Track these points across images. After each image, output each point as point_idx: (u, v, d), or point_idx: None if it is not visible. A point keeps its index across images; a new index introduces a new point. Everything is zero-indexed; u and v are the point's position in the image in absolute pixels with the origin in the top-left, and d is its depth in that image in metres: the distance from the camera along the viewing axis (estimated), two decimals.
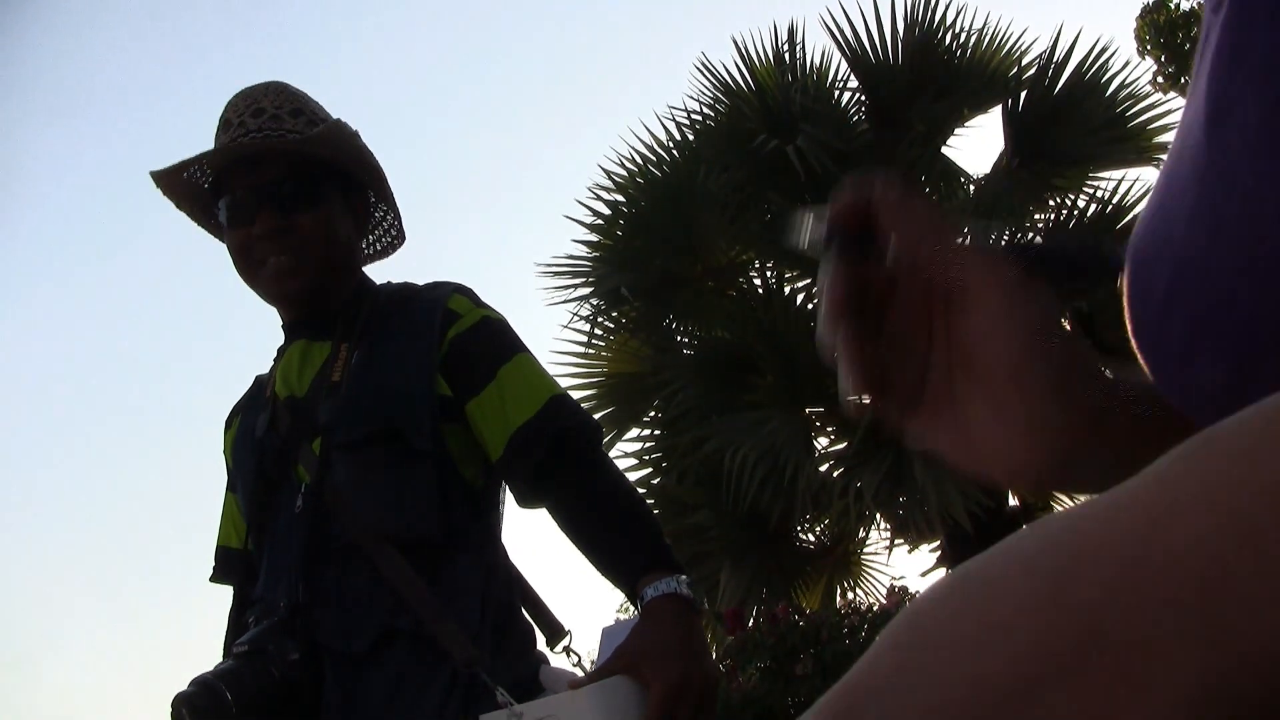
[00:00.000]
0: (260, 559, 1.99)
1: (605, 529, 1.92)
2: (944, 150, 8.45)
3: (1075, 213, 8.14)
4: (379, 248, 2.26)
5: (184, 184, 2.09)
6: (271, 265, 1.98)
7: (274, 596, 1.87)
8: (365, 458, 1.90)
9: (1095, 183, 8.26)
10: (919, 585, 9.45)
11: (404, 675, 1.81)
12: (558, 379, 2.11)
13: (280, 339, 2.14)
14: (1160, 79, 12.59)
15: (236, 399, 2.22)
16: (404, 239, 2.27)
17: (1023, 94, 8.31)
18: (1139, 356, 0.56)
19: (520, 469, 1.93)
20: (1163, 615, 0.31)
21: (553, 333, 13.31)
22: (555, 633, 1.99)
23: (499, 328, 2.04)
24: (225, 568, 2.12)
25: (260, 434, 2.01)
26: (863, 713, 0.34)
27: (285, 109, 2.03)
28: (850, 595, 8.61)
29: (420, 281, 2.18)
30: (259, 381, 2.17)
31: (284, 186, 1.99)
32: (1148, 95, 8.35)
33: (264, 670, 1.75)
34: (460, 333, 1.98)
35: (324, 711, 1.80)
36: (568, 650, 2.01)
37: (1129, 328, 0.56)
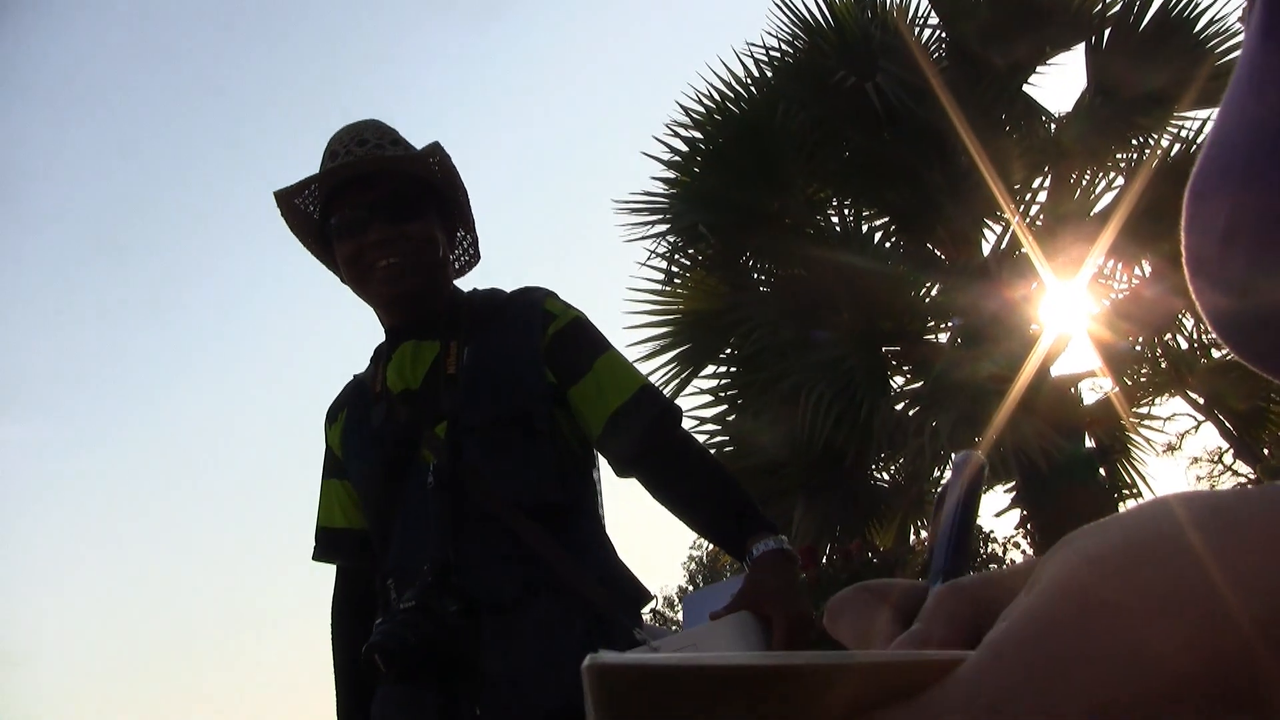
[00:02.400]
0: (387, 534, 2.26)
1: (706, 498, 2.25)
2: (1024, 88, 8.33)
3: (1159, 153, 8.01)
4: (458, 266, 2.53)
5: (296, 210, 2.37)
6: (383, 268, 2.27)
7: (415, 563, 2.13)
8: (493, 438, 2.20)
9: (1180, 122, 8.11)
10: (993, 526, 9.47)
11: (549, 620, 2.08)
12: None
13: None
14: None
15: (330, 399, 2.54)
16: (479, 259, 2.56)
17: (1107, 31, 8.15)
18: (1197, 295, 0.55)
19: (618, 445, 2.27)
20: None
21: (630, 270, 13.35)
22: (642, 595, 2.27)
23: (589, 326, 2.37)
24: (331, 547, 2.44)
25: (378, 424, 2.29)
26: (1019, 702, 0.33)
27: (386, 139, 2.34)
28: (924, 534, 8.65)
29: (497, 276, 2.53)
30: (359, 380, 2.47)
31: (391, 200, 2.28)
32: (1238, 33, 8.16)
33: (432, 621, 2.01)
34: (559, 330, 2.31)
35: (484, 654, 2.05)
36: (653, 611, 2.31)
37: (1187, 266, 0.55)
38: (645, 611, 2.37)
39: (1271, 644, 0.30)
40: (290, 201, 2.36)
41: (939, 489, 0.64)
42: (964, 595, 0.44)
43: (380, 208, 2.27)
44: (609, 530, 2.35)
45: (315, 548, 2.47)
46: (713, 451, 8.00)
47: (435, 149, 2.35)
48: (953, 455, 0.65)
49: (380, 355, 2.41)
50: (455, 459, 2.18)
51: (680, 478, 2.28)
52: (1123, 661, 0.32)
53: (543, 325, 2.31)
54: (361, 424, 2.36)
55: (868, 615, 0.50)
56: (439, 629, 2.01)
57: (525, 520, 2.13)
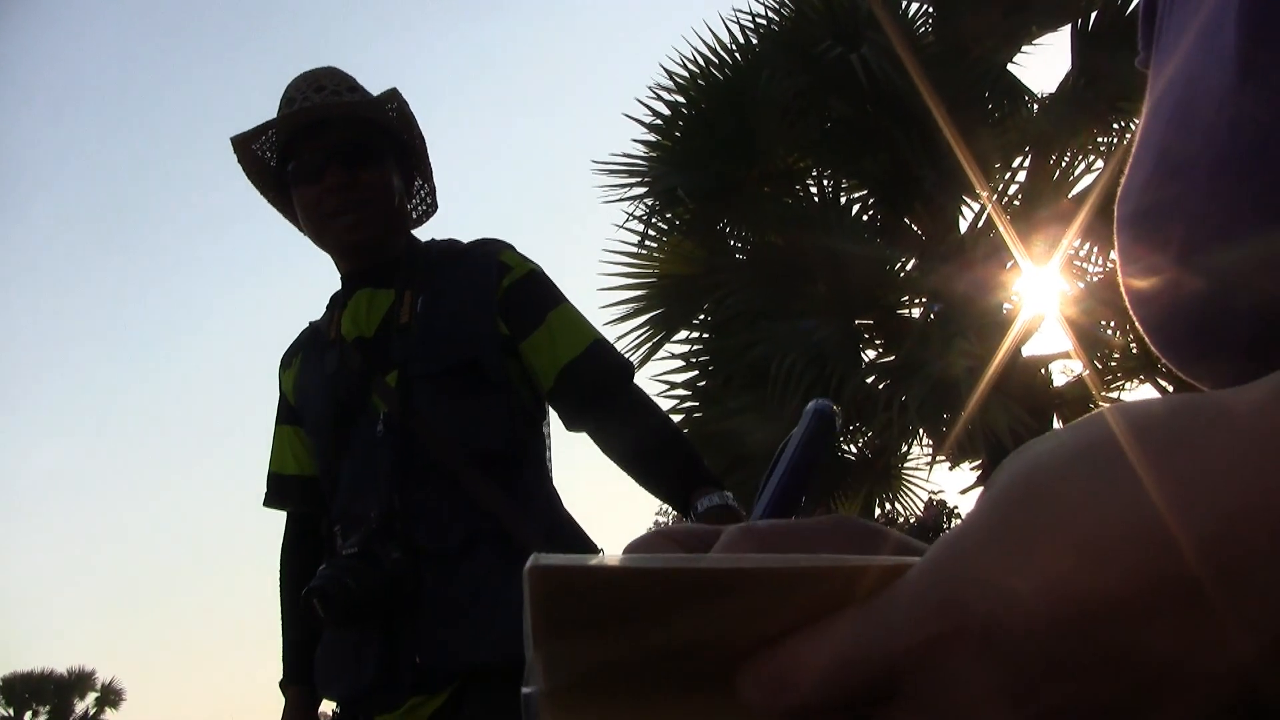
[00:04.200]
0: (335, 480, 2.27)
1: (654, 453, 2.28)
2: (1009, 67, 8.33)
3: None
4: (415, 215, 2.54)
5: (253, 156, 2.37)
6: (340, 214, 2.27)
7: (362, 509, 2.16)
8: (443, 387, 2.21)
9: None
10: (958, 501, 9.54)
11: (491, 569, 2.09)
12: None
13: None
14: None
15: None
16: (436, 209, 2.56)
17: (1093, 14, 8.16)
18: (1143, 307, 0.56)
19: (568, 398, 2.29)
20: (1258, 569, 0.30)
21: (606, 231, 13.31)
22: (589, 549, 2.28)
23: (544, 279, 2.38)
24: (281, 493, 2.46)
25: (331, 371, 2.29)
26: (967, 603, 0.33)
27: (343, 85, 2.34)
28: (889, 508, 8.70)
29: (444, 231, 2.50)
30: (315, 327, 2.46)
31: (348, 146, 2.28)
32: None
33: (374, 566, 2.05)
34: (513, 282, 2.32)
35: (423, 601, 2.09)
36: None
37: (1129, 286, 0.56)
38: None
39: (1211, 556, 0.30)
40: (247, 147, 2.35)
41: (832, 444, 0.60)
42: (754, 537, 0.41)
43: (337, 153, 2.27)
44: (572, 492, 2.41)
45: (266, 494, 2.48)
46: (682, 417, 8.01)
47: (393, 95, 2.35)
48: (810, 404, 0.62)
49: (336, 302, 2.40)
50: (405, 407, 2.19)
51: (627, 432, 2.31)
52: (1070, 556, 0.31)
53: (498, 276, 2.32)
54: (316, 370, 2.35)
55: None
56: (381, 576, 2.04)
57: (471, 469, 2.14)
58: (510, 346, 2.28)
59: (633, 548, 0.45)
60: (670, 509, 2.71)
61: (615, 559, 0.35)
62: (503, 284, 2.31)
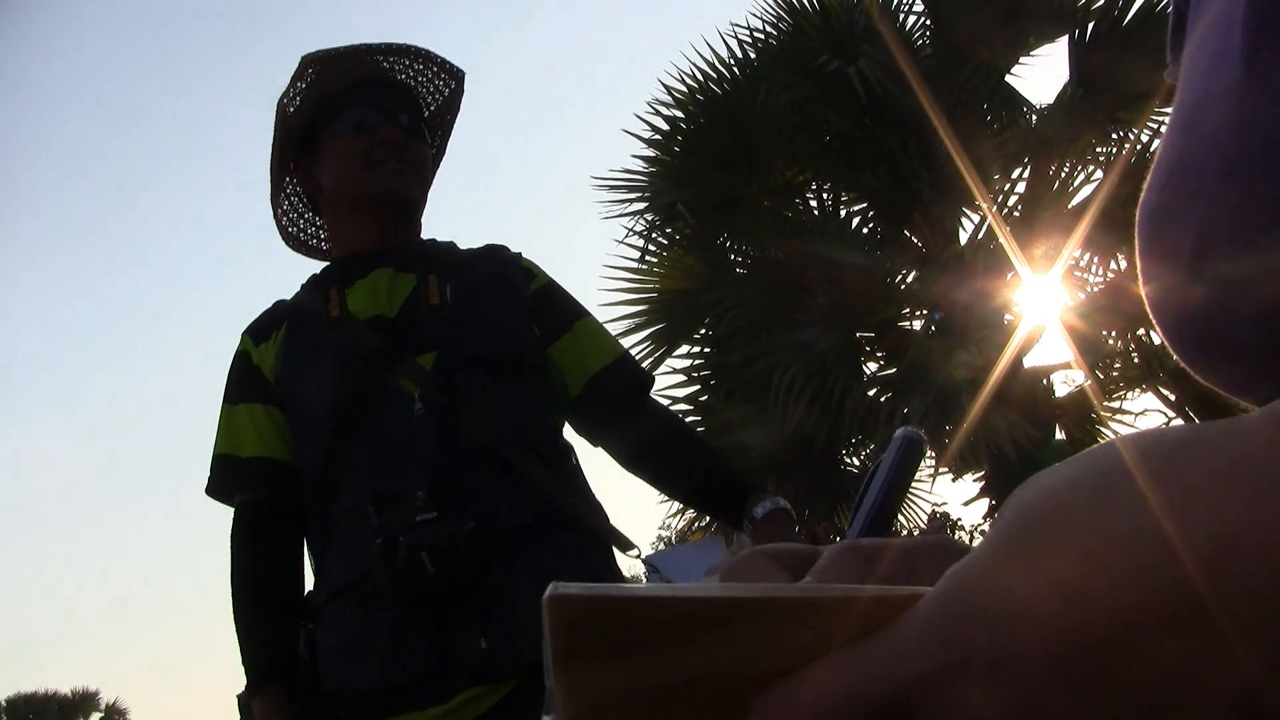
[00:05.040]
0: (346, 460, 2.09)
1: (697, 462, 2.29)
2: (1007, 79, 8.34)
3: (1138, 148, 8.04)
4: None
5: (310, 87, 2.26)
6: (389, 166, 2.20)
7: (403, 486, 2.00)
8: (488, 374, 2.11)
9: (1159, 118, 8.12)
10: (961, 513, 9.52)
11: (559, 556, 2.01)
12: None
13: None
14: None
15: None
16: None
17: (1090, 25, 8.16)
18: (1159, 314, 0.57)
19: (597, 406, 2.26)
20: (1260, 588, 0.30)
21: (607, 247, 13.35)
22: (624, 543, 2.21)
23: (565, 290, 2.35)
24: (239, 477, 2.19)
25: (343, 347, 2.14)
26: (973, 633, 0.33)
27: (421, 59, 2.32)
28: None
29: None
30: (294, 305, 2.28)
31: (407, 114, 2.26)
32: None
33: (457, 528, 1.93)
34: (540, 287, 2.31)
35: (488, 584, 1.95)
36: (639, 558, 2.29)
37: (1145, 290, 0.56)
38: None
39: (1212, 575, 0.30)
40: (307, 71, 2.25)
41: (874, 462, 0.64)
42: (859, 554, 0.43)
43: (402, 114, 2.25)
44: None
45: (214, 479, 2.23)
46: None
47: (461, 88, 2.38)
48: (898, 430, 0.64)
49: (329, 280, 2.25)
50: (447, 389, 2.08)
51: (668, 442, 2.30)
52: (1075, 591, 0.31)
53: (524, 279, 2.29)
54: (313, 346, 2.19)
55: (761, 577, 0.49)
56: (463, 534, 1.92)
57: (527, 456, 2.06)
58: (539, 349, 2.25)
59: (734, 567, 0.46)
60: (698, 517, 2.82)
61: (634, 588, 0.36)
62: (530, 287, 2.29)
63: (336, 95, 2.25)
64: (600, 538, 2.08)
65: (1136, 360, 8.10)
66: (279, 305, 2.31)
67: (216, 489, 2.23)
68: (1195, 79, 0.56)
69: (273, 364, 2.21)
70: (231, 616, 2.12)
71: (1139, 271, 0.58)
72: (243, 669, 2.07)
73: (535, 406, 2.17)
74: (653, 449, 2.29)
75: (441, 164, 2.45)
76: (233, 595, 2.13)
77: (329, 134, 2.25)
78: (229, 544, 2.18)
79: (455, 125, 2.44)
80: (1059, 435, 7.91)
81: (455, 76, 2.35)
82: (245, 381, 2.23)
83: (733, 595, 0.35)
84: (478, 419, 2.06)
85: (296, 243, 2.48)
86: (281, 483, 2.16)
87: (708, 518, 7.74)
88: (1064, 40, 8.28)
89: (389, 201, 2.23)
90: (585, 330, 2.30)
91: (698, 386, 8.44)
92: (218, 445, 2.23)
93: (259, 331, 2.27)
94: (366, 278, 2.21)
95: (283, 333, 2.23)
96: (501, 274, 2.29)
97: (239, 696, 2.12)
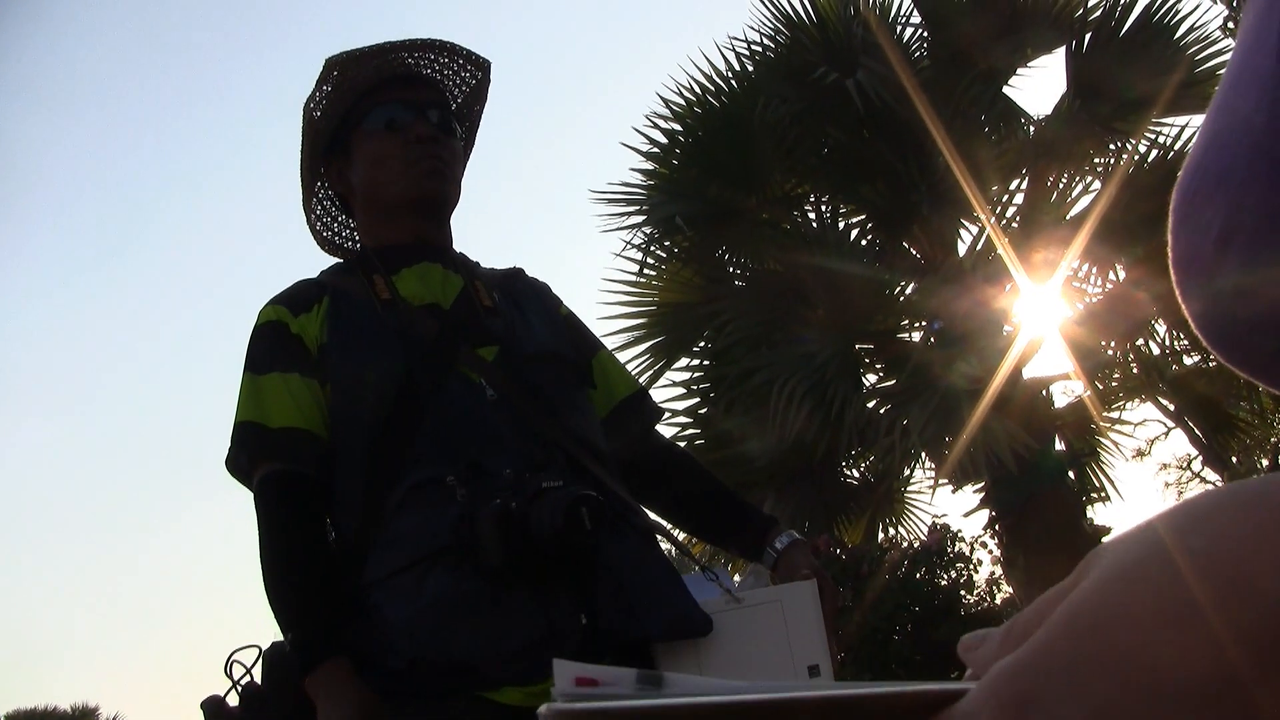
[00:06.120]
0: (409, 436, 1.98)
1: (714, 496, 2.33)
2: (1005, 90, 8.34)
3: (1135, 158, 8.03)
4: None
5: (332, 92, 2.24)
6: (425, 164, 2.19)
7: (491, 463, 1.95)
8: (556, 374, 2.16)
9: (1158, 128, 8.13)
10: (961, 525, 9.51)
11: (642, 546, 2.03)
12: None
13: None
14: (1231, 24, 12.33)
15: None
16: None
17: (1088, 35, 8.17)
18: (1184, 296, 0.55)
19: (618, 432, 2.27)
20: None
21: (605, 260, 13.35)
22: (687, 552, 2.45)
23: (583, 321, 2.41)
24: (287, 446, 2.04)
25: (399, 328, 2.09)
26: (1035, 702, 0.33)
27: (453, 56, 2.31)
28: (891, 532, 8.67)
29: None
30: (332, 283, 2.19)
31: (437, 110, 2.26)
32: (1217, 40, 8.20)
33: (586, 495, 1.88)
34: (567, 314, 2.37)
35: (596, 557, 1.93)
36: None
37: (1175, 268, 0.55)
38: None
39: (1253, 650, 0.30)
40: (332, 74, 2.20)
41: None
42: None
43: (432, 110, 2.25)
44: None
45: (239, 448, 2.08)
46: (684, 444, 8.00)
47: (488, 81, 2.38)
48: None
49: (370, 266, 2.17)
50: (516, 382, 2.07)
51: (686, 476, 2.35)
52: (1125, 677, 0.31)
53: (556, 303, 2.37)
54: (364, 324, 2.09)
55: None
56: (598, 506, 1.88)
57: (597, 461, 2.08)
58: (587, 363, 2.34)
59: (970, 643, 0.44)
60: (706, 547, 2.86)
61: (633, 700, 0.34)
62: (560, 311, 2.35)
63: (364, 94, 2.23)
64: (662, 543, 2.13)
65: (1135, 370, 8.09)
66: (309, 281, 2.21)
67: (241, 457, 2.08)
68: (1235, 58, 0.54)
69: (316, 334, 2.10)
70: (269, 596, 1.96)
71: (1168, 245, 0.56)
72: (292, 649, 1.92)
73: (592, 413, 2.22)
74: (663, 481, 2.33)
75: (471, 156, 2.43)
76: (272, 573, 1.97)
77: (359, 134, 2.23)
78: (259, 520, 2.02)
79: (483, 116, 2.44)
80: (1059, 445, 7.90)
81: (481, 67, 2.34)
82: (281, 350, 2.10)
83: (738, 701, 0.34)
84: (548, 413, 2.08)
85: (331, 246, 2.43)
86: (315, 457, 2.03)
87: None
88: (1062, 50, 8.30)
89: (426, 201, 2.22)
90: (608, 358, 2.38)
91: (697, 399, 8.42)
92: (241, 413, 2.07)
93: (296, 301, 2.15)
94: (413, 267, 2.18)
95: (325, 305, 2.13)
96: (538, 293, 2.35)
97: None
